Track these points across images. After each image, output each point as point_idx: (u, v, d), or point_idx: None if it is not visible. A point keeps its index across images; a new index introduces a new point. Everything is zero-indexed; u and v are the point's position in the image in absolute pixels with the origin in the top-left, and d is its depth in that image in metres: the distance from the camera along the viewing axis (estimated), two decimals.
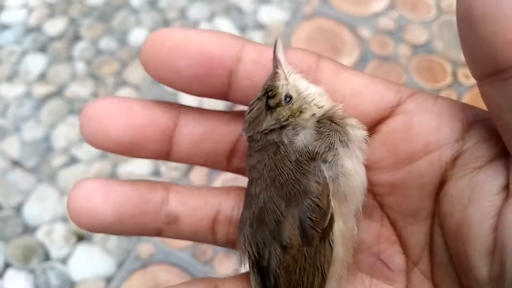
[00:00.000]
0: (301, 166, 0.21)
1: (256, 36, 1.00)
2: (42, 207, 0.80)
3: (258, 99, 0.22)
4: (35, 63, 0.96)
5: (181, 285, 0.23)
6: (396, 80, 0.94)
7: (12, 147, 0.85)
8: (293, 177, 0.21)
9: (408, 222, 0.23)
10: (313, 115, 0.22)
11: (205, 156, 0.24)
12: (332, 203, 0.21)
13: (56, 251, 0.76)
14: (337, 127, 0.21)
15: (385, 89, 0.22)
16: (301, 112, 0.22)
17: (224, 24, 1.02)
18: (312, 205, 0.20)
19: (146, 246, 0.75)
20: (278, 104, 0.22)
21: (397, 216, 0.23)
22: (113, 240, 0.76)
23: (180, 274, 0.72)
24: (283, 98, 0.22)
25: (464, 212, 0.20)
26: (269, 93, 0.22)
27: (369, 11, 1.02)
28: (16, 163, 0.84)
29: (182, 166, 0.83)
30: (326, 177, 0.21)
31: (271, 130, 0.22)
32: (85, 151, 0.85)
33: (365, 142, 0.22)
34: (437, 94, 0.22)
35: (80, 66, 0.95)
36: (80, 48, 0.98)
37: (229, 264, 0.72)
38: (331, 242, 0.21)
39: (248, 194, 0.23)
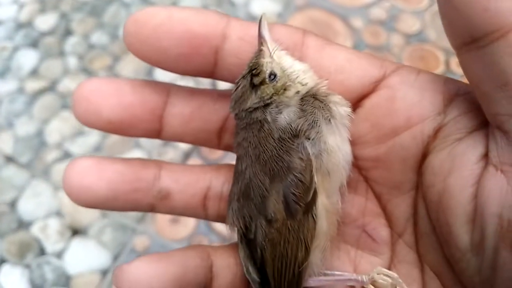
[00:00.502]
0: (285, 144, 0.21)
1: None
2: (36, 202, 0.79)
3: (243, 77, 0.23)
4: (27, 58, 0.95)
5: (176, 251, 0.24)
6: None
7: (5, 143, 0.85)
8: (277, 154, 0.22)
9: (393, 195, 0.23)
10: (297, 92, 0.22)
11: (196, 134, 0.24)
12: (315, 179, 0.21)
13: (51, 246, 0.76)
14: (320, 104, 0.22)
15: (368, 64, 0.22)
16: (285, 89, 0.22)
17: None
18: (296, 180, 0.21)
19: (141, 239, 0.75)
20: (262, 82, 0.22)
21: (382, 189, 0.23)
22: (108, 233, 0.76)
23: None
24: (267, 76, 0.22)
25: (445, 182, 0.20)
26: (254, 71, 0.22)
27: (361, 1, 1.02)
28: (9, 159, 0.84)
29: (177, 158, 0.83)
30: (309, 154, 0.21)
31: (256, 108, 0.22)
32: (79, 146, 0.85)
33: (349, 119, 0.22)
34: (420, 68, 0.22)
35: (72, 61, 0.95)
36: (71, 43, 0.98)
37: None
38: (314, 216, 0.21)
39: (236, 171, 0.24)
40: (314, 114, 0.21)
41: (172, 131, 0.24)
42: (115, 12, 1.02)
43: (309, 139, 0.21)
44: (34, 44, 0.97)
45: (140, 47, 0.21)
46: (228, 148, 0.26)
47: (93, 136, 0.86)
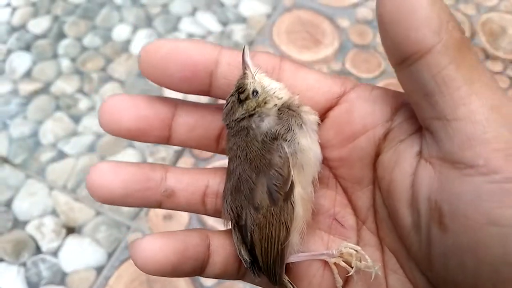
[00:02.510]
0: (266, 145, 0.26)
1: (238, 29, 1.02)
2: (31, 201, 0.81)
3: (232, 94, 0.28)
4: (21, 61, 0.97)
5: (179, 231, 0.28)
6: (375, 68, 0.96)
7: (0, 144, 0.86)
8: (261, 153, 0.26)
9: (355, 188, 0.28)
10: (275, 105, 0.27)
11: (198, 140, 0.29)
12: (292, 172, 0.26)
13: (46, 244, 0.77)
14: (293, 113, 0.27)
15: (332, 83, 0.27)
16: (265, 103, 0.27)
17: (206, 18, 1.03)
18: (276, 174, 0.26)
19: (135, 236, 0.77)
20: (247, 98, 0.27)
21: (347, 184, 0.28)
22: (102, 231, 0.78)
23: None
24: (250, 93, 0.27)
25: (391, 175, 0.25)
26: (240, 90, 0.27)
27: (347, 1, 1.05)
28: (4, 160, 0.85)
29: (169, 158, 0.84)
30: (286, 152, 0.26)
31: (242, 118, 0.27)
32: (72, 146, 0.86)
33: (317, 125, 0.28)
34: (373, 85, 0.27)
35: (65, 63, 0.97)
36: (64, 45, 0.99)
37: None
38: (292, 203, 0.26)
39: (228, 170, 0.29)
40: (289, 121, 0.26)
41: (179, 138, 0.29)
42: (107, 15, 1.03)
43: (286, 140, 0.26)
44: (27, 47, 0.99)
45: (151, 72, 0.26)
46: (224, 152, 0.30)
47: (87, 136, 0.87)
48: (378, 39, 1.00)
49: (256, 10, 1.04)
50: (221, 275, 0.30)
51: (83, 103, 0.92)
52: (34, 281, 0.74)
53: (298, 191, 0.26)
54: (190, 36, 1.01)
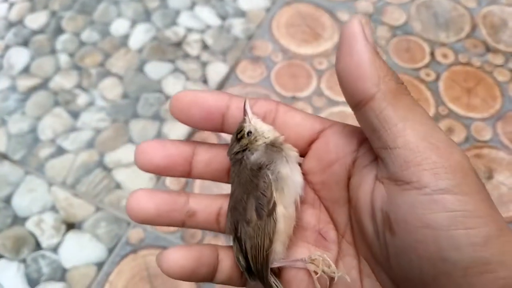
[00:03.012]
0: (254, 173, 0.33)
1: (237, 23, 1.01)
2: (31, 198, 0.80)
3: (233, 134, 0.35)
4: (19, 56, 0.96)
5: (195, 244, 0.36)
6: None
7: None
8: (250, 179, 0.33)
9: (335, 207, 0.34)
10: (264, 142, 0.34)
11: (213, 173, 0.36)
12: (274, 194, 0.32)
13: (46, 240, 0.77)
14: (277, 149, 0.33)
15: (314, 122, 0.34)
16: (256, 141, 0.34)
17: (205, 12, 1.03)
18: (261, 195, 0.32)
19: (136, 231, 0.77)
20: (242, 137, 0.34)
21: (328, 204, 0.34)
22: (102, 227, 0.77)
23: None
24: (245, 133, 0.33)
25: (357, 194, 0.31)
26: (238, 130, 0.34)
27: None
28: (3, 156, 0.84)
29: None
30: (270, 179, 0.33)
31: (238, 152, 0.34)
32: (71, 142, 0.86)
33: (296, 158, 0.34)
34: (346, 124, 0.34)
35: (63, 58, 0.96)
36: (62, 40, 0.99)
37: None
38: (274, 219, 0.32)
39: (230, 194, 0.36)
40: (272, 155, 0.33)
41: (198, 172, 0.35)
42: (105, 9, 1.03)
43: (269, 169, 0.33)
44: (25, 42, 0.98)
45: (179, 114, 0.33)
46: None
47: (86, 132, 0.87)
48: (378, 32, 0.99)
49: (255, 3, 1.03)
50: (228, 281, 0.36)
51: (81, 99, 0.91)
52: (34, 277, 0.74)
53: (280, 209, 0.32)
54: (189, 30, 1.00)
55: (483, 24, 1.02)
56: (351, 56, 0.27)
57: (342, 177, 0.32)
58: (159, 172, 0.34)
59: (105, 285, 0.73)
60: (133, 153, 0.34)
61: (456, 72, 0.95)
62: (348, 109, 0.87)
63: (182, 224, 0.35)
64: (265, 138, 0.33)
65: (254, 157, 0.33)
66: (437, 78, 0.94)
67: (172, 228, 0.76)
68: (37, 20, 1.02)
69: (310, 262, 0.32)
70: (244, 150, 0.34)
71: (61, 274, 0.74)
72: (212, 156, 0.35)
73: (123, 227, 0.77)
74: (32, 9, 1.03)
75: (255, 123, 0.34)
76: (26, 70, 0.95)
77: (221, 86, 0.93)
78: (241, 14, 1.03)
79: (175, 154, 0.34)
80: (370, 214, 0.30)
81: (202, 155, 0.35)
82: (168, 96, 0.92)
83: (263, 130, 0.34)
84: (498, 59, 0.97)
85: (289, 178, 0.33)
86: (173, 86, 0.93)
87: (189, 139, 0.86)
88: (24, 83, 0.93)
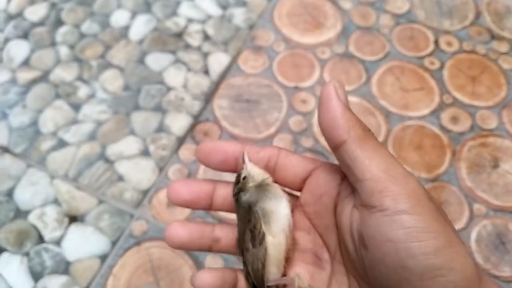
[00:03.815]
0: (246, 210, 0.39)
1: (238, 12, 1.00)
2: (33, 191, 0.80)
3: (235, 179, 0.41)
4: (18, 49, 0.96)
5: (218, 269, 0.41)
6: (379, 50, 0.95)
7: (0, 133, 0.86)
8: (244, 215, 0.39)
9: (326, 233, 0.39)
10: (253, 184, 0.39)
11: (229, 206, 0.41)
12: (263, 227, 0.38)
13: (49, 234, 0.76)
14: (263, 189, 0.39)
15: (308, 162, 0.40)
16: (248, 183, 0.39)
17: (206, 2, 1.02)
18: (253, 229, 0.39)
19: (139, 224, 0.76)
20: (239, 181, 0.40)
21: (321, 230, 0.40)
22: (105, 220, 0.77)
23: (173, 249, 0.73)
24: (241, 178, 0.39)
25: (340, 219, 0.37)
26: (236, 176, 0.40)
27: None
28: (4, 150, 0.84)
29: (170, 145, 0.84)
30: (258, 214, 0.39)
31: (235, 194, 0.40)
32: (73, 134, 0.85)
33: (281, 194, 0.40)
34: (334, 164, 0.39)
35: (64, 51, 0.95)
36: (62, 32, 0.98)
37: None
38: (264, 247, 0.38)
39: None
40: (259, 194, 0.39)
41: (217, 205, 0.41)
42: (105, 1, 1.02)
43: (256, 206, 0.39)
44: (25, 35, 0.97)
45: (202, 160, 0.40)
46: None
47: (87, 124, 0.86)
48: (382, 21, 0.98)
49: None
50: None
51: (82, 91, 0.90)
52: (37, 270, 0.74)
53: (269, 239, 0.38)
54: (190, 20, 0.99)
55: (487, 11, 1.01)
56: (328, 112, 0.34)
57: (330, 207, 0.38)
58: (187, 205, 0.41)
59: (109, 277, 0.72)
60: (166, 191, 0.42)
61: (460, 60, 0.94)
62: (351, 98, 0.86)
63: (209, 249, 0.42)
64: (255, 180, 0.40)
65: (246, 197, 0.40)
66: (442, 66, 0.93)
67: (177, 218, 0.76)
68: (36, 12, 1.01)
69: (292, 279, 0.39)
70: (239, 192, 0.40)
71: (64, 267, 0.74)
72: (228, 192, 0.41)
73: (126, 219, 0.77)
74: (32, 1, 1.02)
75: (250, 169, 0.40)
76: (26, 63, 0.94)
77: (222, 76, 0.92)
78: (242, 3, 1.01)
79: (199, 191, 0.41)
80: (350, 234, 0.35)
81: (222, 191, 0.42)
82: (170, 87, 0.91)
83: (254, 174, 0.40)
84: (503, 47, 0.95)
85: (273, 212, 0.39)
86: (174, 77, 0.92)
87: (191, 132, 0.85)
88: (25, 75, 0.92)
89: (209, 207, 0.42)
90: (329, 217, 0.39)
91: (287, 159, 0.41)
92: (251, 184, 0.40)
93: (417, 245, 0.30)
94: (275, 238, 0.39)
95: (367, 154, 0.33)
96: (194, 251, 0.39)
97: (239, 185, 0.40)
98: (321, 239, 0.40)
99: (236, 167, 0.40)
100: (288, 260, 0.40)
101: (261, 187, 0.40)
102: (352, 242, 0.36)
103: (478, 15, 1.00)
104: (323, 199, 0.39)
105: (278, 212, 0.39)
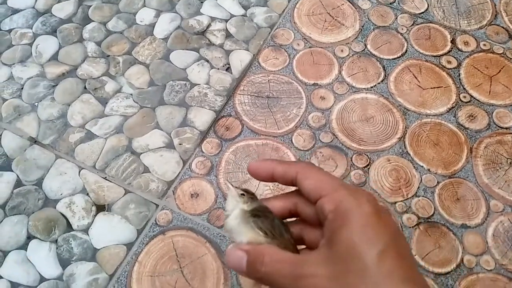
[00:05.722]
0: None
1: (259, 12, 1.03)
2: (61, 181, 0.83)
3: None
4: (47, 45, 0.99)
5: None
6: (397, 49, 0.97)
7: (29, 126, 0.89)
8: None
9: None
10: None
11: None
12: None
13: (77, 222, 0.79)
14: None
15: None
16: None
17: (228, 2, 1.04)
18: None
19: (164, 213, 0.79)
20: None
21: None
22: (131, 209, 0.80)
23: (196, 237, 0.76)
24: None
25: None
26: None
27: None
28: (34, 141, 0.87)
29: (194, 139, 0.86)
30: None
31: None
32: (100, 127, 0.88)
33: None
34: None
35: (91, 47, 0.98)
36: (89, 29, 1.01)
37: None
38: None
39: None
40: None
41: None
42: (130, 0, 1.05)
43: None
44: (53, 31, 1.01)
45: (252, 174, 0.45)
46: None
47: (114, 118, 0.89)
48: (399, 20, 1.00)
49: None
50: None
51: (109, 86, 0.93)
52: (65, 257, 0.76)
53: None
54: (213, 19, 1.02)
55: (505, 11, 1.02)
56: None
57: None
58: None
59: (134, 264, 0.75)
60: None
61: (477, 59, 0.96)
62: (369, 95, 0.88)
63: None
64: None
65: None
66: (459, 65, 0.95)
67: (200, 208, 0.79)
68: (64, 9, 1.04)
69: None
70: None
71: (92, 254, 0.77)
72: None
73: (152, 209, 0.80)
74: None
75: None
76: (54, 58, 0.97)
77: (244, 73, 0.94)
78: (264, 3, 1.04)
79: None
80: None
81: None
82: (193, 84, 0.94)
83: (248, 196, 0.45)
84: None
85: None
86: (198, 74, 0.95)
87: (213, 127, 0.88)
88: (53, 70, 0.95)
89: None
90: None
91: (308, 175, 0.44)
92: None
93: None
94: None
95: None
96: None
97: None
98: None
99: (272, 178, 0.46)
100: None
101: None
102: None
103: (495, 15, 1.02)
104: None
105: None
